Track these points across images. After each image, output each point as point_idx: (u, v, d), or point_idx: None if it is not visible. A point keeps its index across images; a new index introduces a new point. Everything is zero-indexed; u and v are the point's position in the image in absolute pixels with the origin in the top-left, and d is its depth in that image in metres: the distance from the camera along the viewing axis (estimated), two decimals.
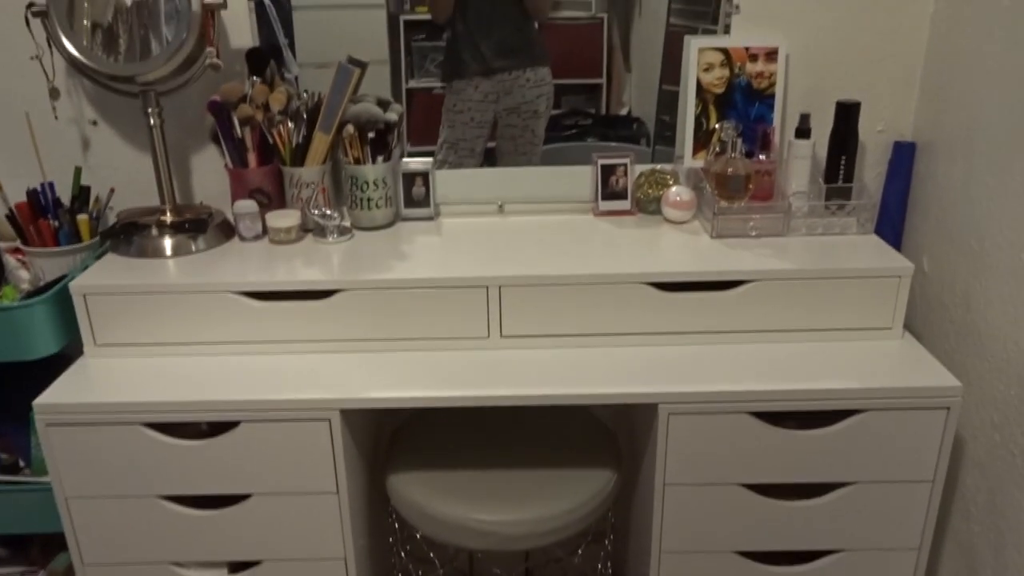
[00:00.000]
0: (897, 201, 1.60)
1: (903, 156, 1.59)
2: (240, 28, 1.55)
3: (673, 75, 1.61)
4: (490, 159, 1.69)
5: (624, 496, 1.61)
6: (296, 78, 1.59)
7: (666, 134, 1.66)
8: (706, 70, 1.54)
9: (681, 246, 1.45)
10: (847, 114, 1.51)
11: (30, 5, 1.38)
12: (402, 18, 1.60)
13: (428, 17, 1.60)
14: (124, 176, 1.63)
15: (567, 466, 1.42)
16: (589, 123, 1.69)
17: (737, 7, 1.54)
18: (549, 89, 1.66)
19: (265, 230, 1.51)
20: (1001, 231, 1.31)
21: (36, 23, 1.39)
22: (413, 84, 1.65)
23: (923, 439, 1.27)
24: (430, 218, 1.61)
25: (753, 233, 1.48)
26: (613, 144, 1.69)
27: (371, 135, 1.50)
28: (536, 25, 1.63)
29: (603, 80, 1.67)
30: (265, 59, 1.51)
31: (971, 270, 1.40)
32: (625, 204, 1.61)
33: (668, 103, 1.64)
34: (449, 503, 1.34)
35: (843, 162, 1.52)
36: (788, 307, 1.36)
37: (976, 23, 1.39)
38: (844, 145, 1.52)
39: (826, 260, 1.38)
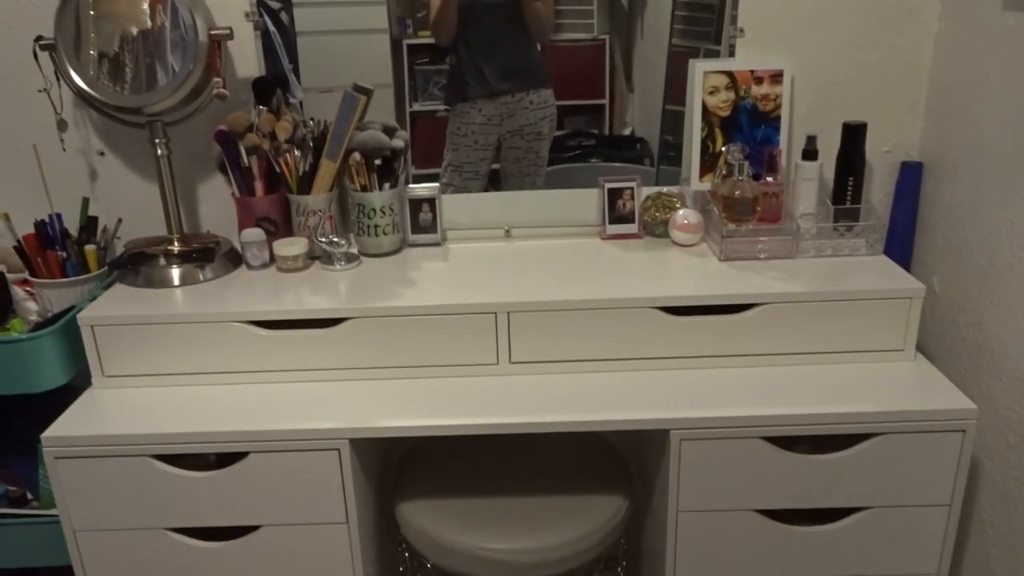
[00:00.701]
0: (906, 221, 1.60)
1: (910, 176, 1.59)
2: (246, 57, 1.56)
3: (676, 95, 1.61)
4: (494, 181, 1.69)
5: (636, 521, 1.59)
6: (300, 102, 1.60)
7: (670, 154, 1.66)
8: (711, 93, 1.54)
9: (689, 269, 1.44)
10: (853, 135, 1.51)
11: (38, 39, 1.39)
12: (405, 42, 1.61)
13: (431, 41, 1.61)
14: (131, 206, 1.63)
15: (578, 492, 1.41)
16: (593, 144, 1.70)
17: (741, 30, 1.54)
18: (552, 111, 1.66)
19: (272, 258, 1.51)
20: (1011, 249, 1.31)
21: (44, 56, 1.40)
22: (417, 107, 1.65)
23: (939, 462, 1.25)
24: (437, 244, 1.61)
25: (762, 255, 1.47)
26: (617, 164, 1.69)
27: (377, 162, 1.50)
28: (538, 47, 1.64)
29: (606, 101, 1.67)
30: (271, 88, 1.51)
31: (982, 289, 1.39)
32: (632, 227, 1.60)
33: (671, 123, 1.64)
34: (459, 532, 1.33)
35: (851, 183, 1.52)
36: (799, 330, 1.35)
37: (980, 42, 1.39)
38: (851, 166, 1.51)
39: (836, 282, 1.37)
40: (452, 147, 1.67)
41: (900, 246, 1.60)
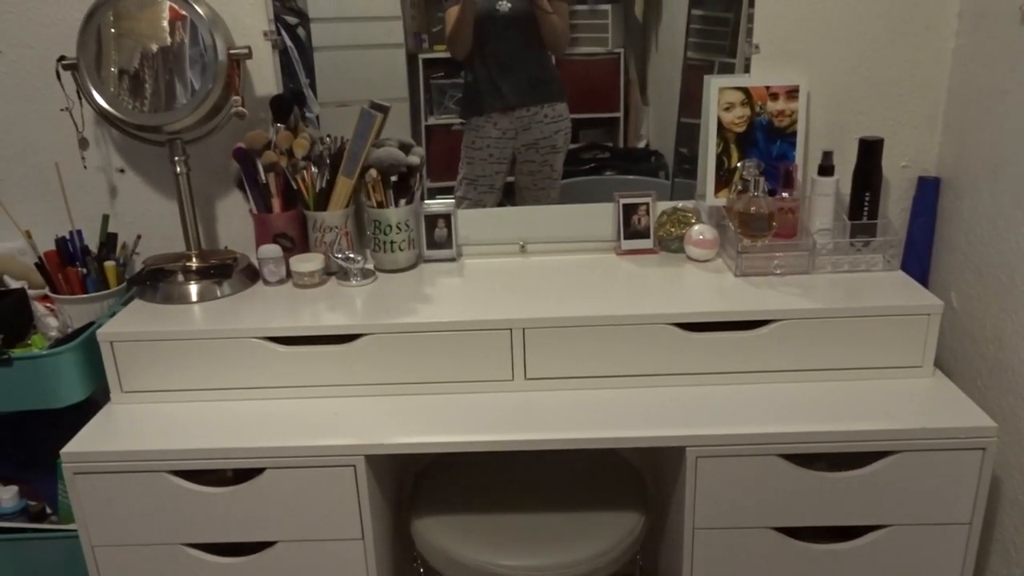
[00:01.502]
0: (923, 237, 1.59)
1: (928, 191, 1.58)
2: (264, 75, 1.57)
3: (691, 108, 1.61)
4: (509, 194, 1.70)
5: (652, 538, 1.58)
6: (317, 117, 1.62)
7: (685, 166, 1.66)
8: (727, 109, 1.54)
9: (705, 285, 1.44)
10: (870, 150, 1.50)
11: (61, 59, 1.41)
12: (421, 56, 1.62)
13: (446, 55, 1.62)
14: (150, 223, 1.65)
15: (594, 508, 1.40)
16: (607, 157, 1.70)
17: (757, 47, 1.54)
18: (567, 124, 1.66)
19: (289, 274, 1.52)
20: None
21: (66, 76, 1.42)
22: (432, 121, 1.66)
23: (959, 480, 1.24)
24: (452, 259, 1.62)
25: (778, 271, 1.46)
26: (632, 177, 1.69)
27: (393, 179, 1.51)
28: (553, 61, 1.65)
29: (621, 114, 1.68)
30: (289, 105, 1.53)
31: (1002, 305, 1.38)
32: (648, 243, 1.60)
33: (686, 136, 1.64)
34: (475, 548, 1.32)
35: (867, 198, 1.51)
36: (816, 346, 1.34)
37: (998, 57, 1.38)
38: (868, 181, 1.51)
39: (853, 298, 1.36)
40: (467, 161, 1.68)
41: (918, 261, 1.59)
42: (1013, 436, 1.35)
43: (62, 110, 1.46)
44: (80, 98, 1.44)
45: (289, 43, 1.58)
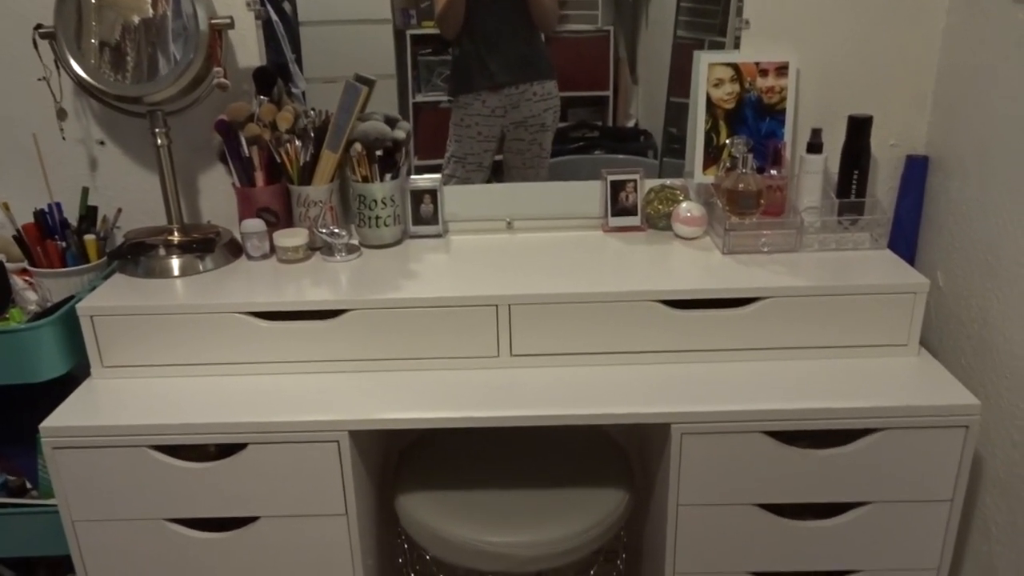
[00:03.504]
0: (911, 216, 1.59)
1: (916, 170, 1.57)
2: (247, 47, 1.55)
3: (680, 87, 1.60)
4: (497, 173, 1.69)
5: (637, 515, 1.59)
6: (303, 93, 1.59)
7: (674, 146, 1.65)
8: (716, 85, 1.53)
9: (692, 263, 1.43)
10: (859, 129, 1.49)
11: (38, 27, 1.38)
12: (408, 32, 1.60)
13: (435, 31, 1.60)
14: (131, 196, 1.63)
15: (579, 486, 1.40)
16: (596, 136, 1.69)
17: (747, 22, 1.53)
18: (556, 103, 1.65)
19: (273, 249, 1.51)
20: (1018, 245, 1.30)
21: (44, 44, 1.39)
22: (420, 98, 1.64)
23: (941, 458, 1.24)
24: (438, 235, 1.60)
25: (765, 249, 1.46)
26: (620, 157, 1.68)
27: (379, 153, 1.49)
28: (543, 39, 1.63)
29: (610, 92, 1.66)
30: (272, 78, 1.50)
31: (988, 285, 1.38)
32: (635, 220, 1.60)
33: (676, 115, 1.63)
34: (459, 524, 1.32)
35: (855, 177, 1.50)
36: (802, 324, 1.34)
37: (989, 37, 1.38)
38: (856, 160, 1.50)
39: (840, 276, 1.36)
40: (455, 139, 1.66)
41: (905, 241, 1.59)
42: (996, 415, 1.35)
43: (39, 80, 1.43)
44: (58, 67, 1.41)
45: (274, 16, 1.55)
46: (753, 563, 1.32)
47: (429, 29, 1.60)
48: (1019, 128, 1.29)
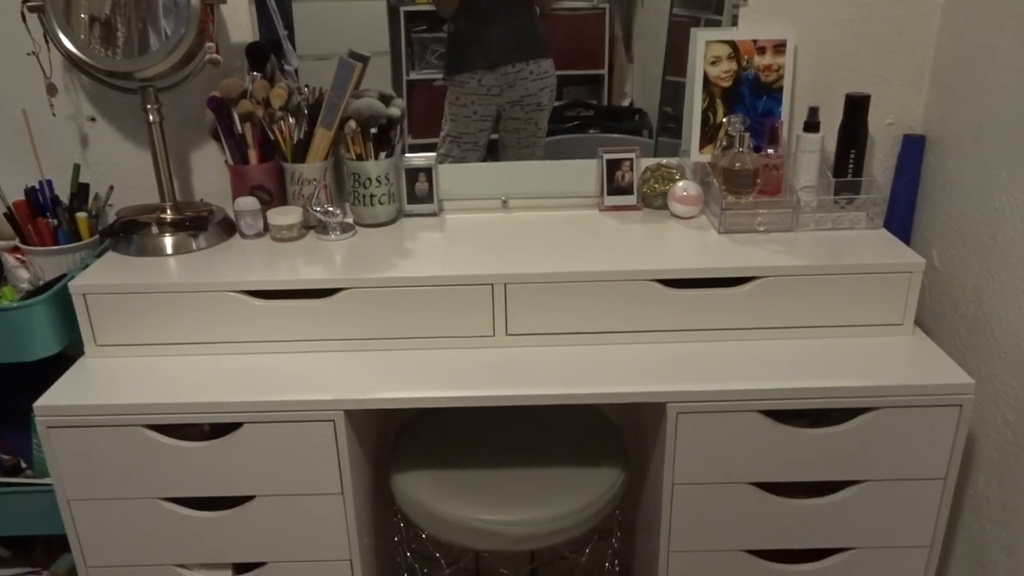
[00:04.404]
0: (907, 195, 1.58)
1: (913, 149, 1.57)
2: (240, 23, 1.53)
3: (676, 66, 1.59)
4: (492, 152, 1.68)
5: (632, 493, 1.60)
6: (296, 70, 1.58)
7: (669, 126, 1.64)
8: (713, 63, 1.52)
9: (688, 242, 1.43)
10: (856, 107, 1.49)
11: (26, 0, 1.35)
12: (402, 9, 1.58)
13: (429, 8, 1.58)
14: (123, 173, 1.61)
15: (574, 464, 1.41)
16: (591, 115, 1.68)
17: None
18: (552, 81, 1.64)
19: (266, 227, 1.50)
20: (1014, 224, 1.29)
21: (32, 18, 1.37)
22: (414, 76, 1.63)
23: (935, 437, 1.25)
24: (433, 214, 1.59)
25: (761, 228, 1.46)
26: (615, 136, 1.67)
27: (373, 131, 1.48)
28: (539, 17, 1.61)
29: (605, 71, 1.65)
30: (265, 54, 1.49)
31: (983, 264, 1.38)
32: (631, 199, 1.59)
33: (671, 94, 1.62)
34: (454, 503, 1.33)
35: (852, 156, 1.50)
36: (797, 303, 1.34)
37: (987, 15, 1.37)
38: (853, 139, 1.49)
39: (835, 255, 1.36)
40: (451, 118, 1.65)
41: (901, 220, 1.59)
42: (990, 394, 1.36)
43: (28, 54, 1.41)
44: (47, 42, 1.39)
45: None
46: (747, 541, 1.33)
47: (424, 6, 1.59)
48: (1016, 107, 1.29)
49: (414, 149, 1.64)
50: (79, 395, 1.25)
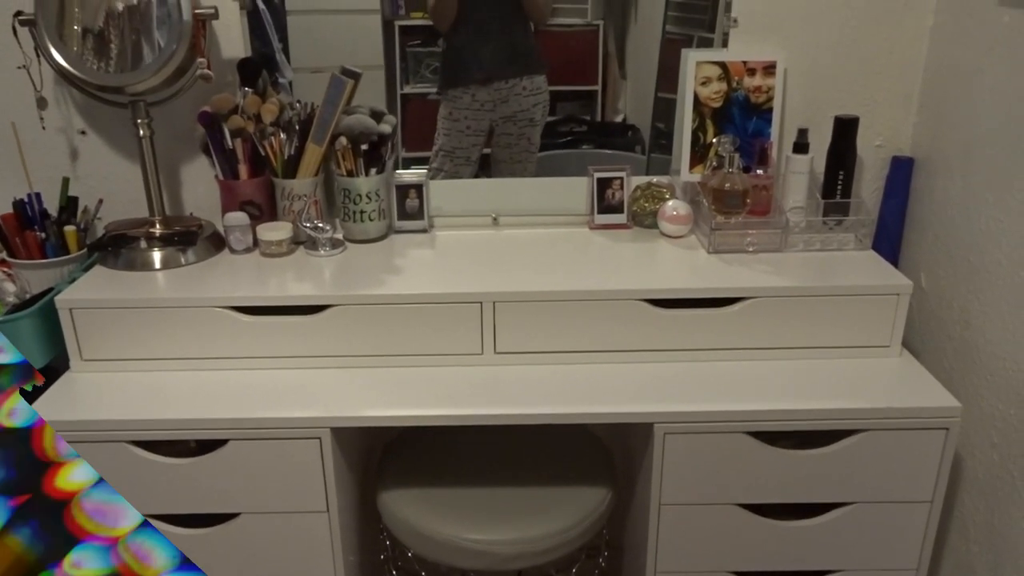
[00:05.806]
0: (895, 217, 1.59)
1: (901, 171, 1.58)
2: (232, 38, 1.53)
3: (669, 83, 1.60)
4: (485, 167, 1.68)
5: (619, 512, 1.59)
6: (290, 83, 1.58)
7: (661, 142, 1.65)
8: (704, 83, 1.53)
9: (677, 261, 1.43)
10: (845, 129, 1.49)
11: (18, 14, 1.35)
12: (397, 23, 1.59)
13: (423, 22, 1.59)
14: (113, 187, 1.61)
15: (561, 483, 1.40)
16: (584, 130, 1.68)
17: (735, 20, 1.52)
18: (545, 97, 1.64)
19: (256, 243, 1.49)
20: (1000, 247, 1.30)
21: (24, 32, 1.37)
22: (408, 89, 1.63)
23: (922, 459, 1.25)
24: (424, 231, 1.59)
25: (750, 248, 1.46)
26: (608, 151, 1.68)
27: (364, 147, 1.48)
28: (533, 32, 1.62)
29: (598, 87, 1.66)
30: (257, 69, 1.49)
31: (970, 287, 1.38)
32: (621, 218, 1.59)
33: (663, 111, 1.63)
34: (441, 522, 1.32)
35: (841, 177, 1.51)
36: (785, 324, 1.34)
37: (976, 38, 1.38)
38: (842, 160, 1.50)
39: (824, 277, 1.36)
40: (444, 132, 1.65)
41: (889, 241, 1.59)
42: (977, 416, 1.36)
43: (19, 68, 1.41)
44: (38, 55, 1.39)
45: (262, 5, 1.54)
46: (734, 563, 1.33)
47: (418, 20, 1.59)
48: (1003, 129, 1.30)
49: (407, 163, 1.65)
50: (64, 410, 1.25)
